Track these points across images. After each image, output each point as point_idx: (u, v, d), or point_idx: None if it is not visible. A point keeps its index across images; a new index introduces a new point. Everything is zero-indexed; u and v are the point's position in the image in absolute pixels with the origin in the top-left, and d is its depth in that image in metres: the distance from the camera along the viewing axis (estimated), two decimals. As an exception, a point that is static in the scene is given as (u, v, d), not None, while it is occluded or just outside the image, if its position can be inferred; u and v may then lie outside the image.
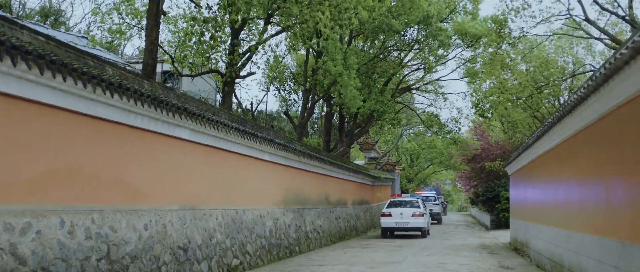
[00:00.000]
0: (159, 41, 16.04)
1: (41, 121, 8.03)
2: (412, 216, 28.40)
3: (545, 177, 15.72)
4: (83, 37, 33.12)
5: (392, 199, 32.00)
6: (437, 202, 46.28)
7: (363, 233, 31.72)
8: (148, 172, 10.89)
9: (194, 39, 19.99)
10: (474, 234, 32.49)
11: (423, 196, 41.59)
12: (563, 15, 22.87)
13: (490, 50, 27.88)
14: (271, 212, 17.70)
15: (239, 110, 31.64)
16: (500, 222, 35.29)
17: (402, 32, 28.93)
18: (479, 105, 29.67)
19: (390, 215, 28.53)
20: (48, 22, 38.28)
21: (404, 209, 28.73)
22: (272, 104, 65.88)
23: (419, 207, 29.32)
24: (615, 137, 8.78)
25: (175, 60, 21.44)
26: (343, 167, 27.85)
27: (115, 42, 31.84)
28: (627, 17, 20.13)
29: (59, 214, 8.26)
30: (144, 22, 16.83)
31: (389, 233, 28.94)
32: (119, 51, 38.57)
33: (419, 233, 28.70)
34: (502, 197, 34.19)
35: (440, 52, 32.01)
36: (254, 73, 22.64)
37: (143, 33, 21.18)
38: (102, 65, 9.59)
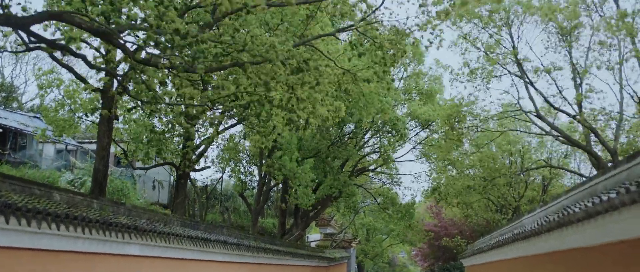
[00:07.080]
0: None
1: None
2: None
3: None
4: (35, 117, 32.60)
5: None
6: None
7: (318, 319, 31.22)
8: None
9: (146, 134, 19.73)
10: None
11: None
12: (514, 110, 23.38)
13: (444, 131, 28.27)
14: (224, 314, 17.21)
15: (193, 190, 31.18)
16: (457, 305, 35.19)
17: (358, 124, 29.13)
18: (437, 190, 30.01)
19: None
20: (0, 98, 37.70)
21: None
22: (228, 176, 65.06)
23: None
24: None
25: (127, 152, 21.09)
26: (298, 254, 27.47)
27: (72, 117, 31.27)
28: (577, 117, 20.67)
29: None
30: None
31: None
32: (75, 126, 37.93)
33: None
34: (458, 281, 34.20)
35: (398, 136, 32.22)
36: (208, 167, 22.45)
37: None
38: (48, 192, 9.32)
